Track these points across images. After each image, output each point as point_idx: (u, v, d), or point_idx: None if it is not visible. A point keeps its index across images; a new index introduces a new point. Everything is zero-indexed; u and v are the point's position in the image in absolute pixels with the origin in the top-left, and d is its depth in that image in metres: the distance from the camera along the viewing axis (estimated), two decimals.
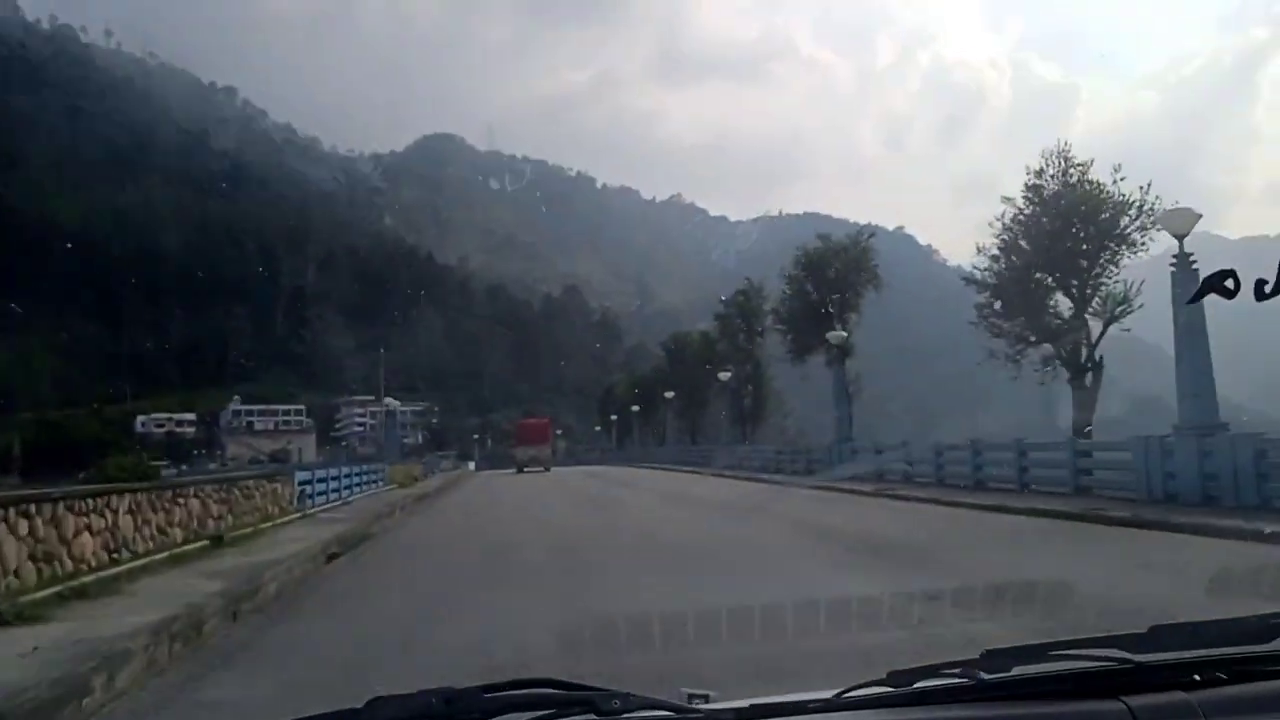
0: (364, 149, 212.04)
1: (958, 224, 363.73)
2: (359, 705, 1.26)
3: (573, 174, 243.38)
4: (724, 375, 39.21)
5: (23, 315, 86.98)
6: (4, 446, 76.14)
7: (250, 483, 14.01)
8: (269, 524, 13.35)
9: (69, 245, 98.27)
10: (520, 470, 48.66)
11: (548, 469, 48.66)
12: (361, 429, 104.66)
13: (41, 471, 66.00)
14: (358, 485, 23.29)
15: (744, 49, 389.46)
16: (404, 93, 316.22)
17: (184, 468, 77.08)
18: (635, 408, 61.71)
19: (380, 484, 27.02)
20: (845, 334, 26.36)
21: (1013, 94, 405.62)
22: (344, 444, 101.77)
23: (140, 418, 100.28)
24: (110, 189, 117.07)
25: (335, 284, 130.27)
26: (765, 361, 45.19)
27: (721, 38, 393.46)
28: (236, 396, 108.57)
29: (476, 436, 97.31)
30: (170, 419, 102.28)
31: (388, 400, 42.60)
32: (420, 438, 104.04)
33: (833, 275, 33.54)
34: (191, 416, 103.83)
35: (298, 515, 15.17)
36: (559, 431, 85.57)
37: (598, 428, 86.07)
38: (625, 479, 34.45)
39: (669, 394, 51.32)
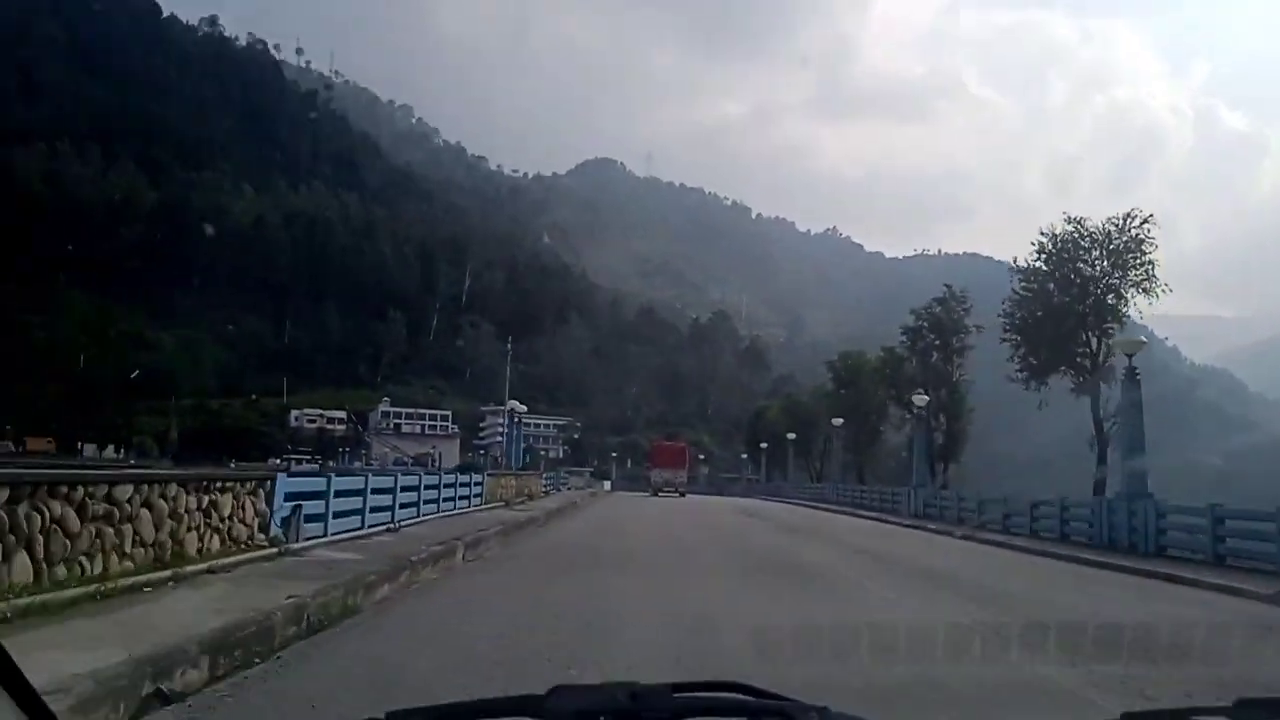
0: (528, 169, 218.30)
1: None
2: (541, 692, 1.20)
3: (728, 203, 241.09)
4: (919, 399, 30.90)
5: (193, 306, 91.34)
6: (163, 429, 79.36)
7: (162, 489, 7.17)
8: (180, 571, 7.01)
9: (242, 243, 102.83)
10: (655, 493, 49.37)
11: (682, 494, 49.34)
12: (503, 438, 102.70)
13: (195, 456, 67.37)
14: (433, 501, 17.04)
15: (909, 84, 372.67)
16: (569, 117, 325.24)
17: (330, 463, 76.51)
18: (791, 435, 53.91)
19: (474, 500, 20.99)
20: (1143, 340, 17.70)
21: (1194, 141, 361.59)
22: (484, 451, 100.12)
23: (294, 412, 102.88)
24: (284, 193, 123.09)
25: (490, 296, 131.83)
26: (964, 387, 37.03)
27: (886, 72, 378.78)
28: (386, 398, 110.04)
29: (615, 455, 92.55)
30: (322, 415, 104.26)
31: (512, 403, 37.55)
32: (561, 452, 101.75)
33: (1087, 272, 25.06)
34: (342, 414, 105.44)
35: (271, 553, 8.90)
36: (701, 457, 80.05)
37: (743, 455, 78.66)
38: (805, 525, 24.48)
39: (837, 420, 43.19)
